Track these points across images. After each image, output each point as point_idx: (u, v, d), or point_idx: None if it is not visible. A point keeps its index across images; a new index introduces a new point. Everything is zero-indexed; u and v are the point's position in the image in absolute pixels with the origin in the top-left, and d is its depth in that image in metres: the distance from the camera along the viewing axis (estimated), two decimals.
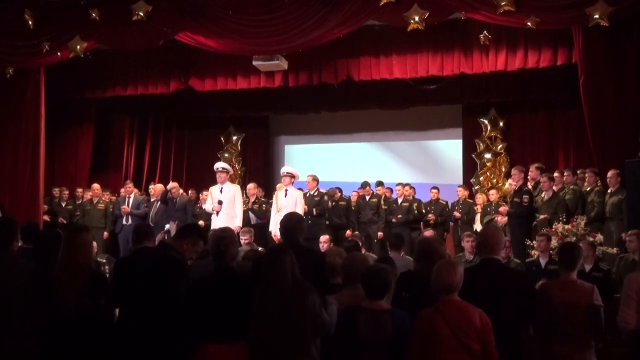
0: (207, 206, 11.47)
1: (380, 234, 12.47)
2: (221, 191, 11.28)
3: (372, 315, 4.45)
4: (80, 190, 14.11)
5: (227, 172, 11.78)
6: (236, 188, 11.75)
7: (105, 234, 13.23)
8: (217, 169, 11.59)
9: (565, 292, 4.90)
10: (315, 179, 12.14)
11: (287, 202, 11.12)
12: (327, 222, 12.12)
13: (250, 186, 13.05)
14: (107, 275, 6.29)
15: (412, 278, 5.16)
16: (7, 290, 4.84)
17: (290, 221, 5.60)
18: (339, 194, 12.94)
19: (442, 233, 12.71)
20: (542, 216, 10.40)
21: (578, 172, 11.35)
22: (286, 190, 11.29)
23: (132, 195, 13.29)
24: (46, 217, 13.23)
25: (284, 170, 11.71)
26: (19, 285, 4.85)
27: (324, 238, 9.72)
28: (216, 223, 10.83)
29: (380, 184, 13.56)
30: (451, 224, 13.13)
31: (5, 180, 12.93)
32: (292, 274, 4.60)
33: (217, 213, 11.11)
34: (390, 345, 4.40)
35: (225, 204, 11.17)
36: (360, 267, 4.92)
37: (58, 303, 4.79)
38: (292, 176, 11.39)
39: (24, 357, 4.82)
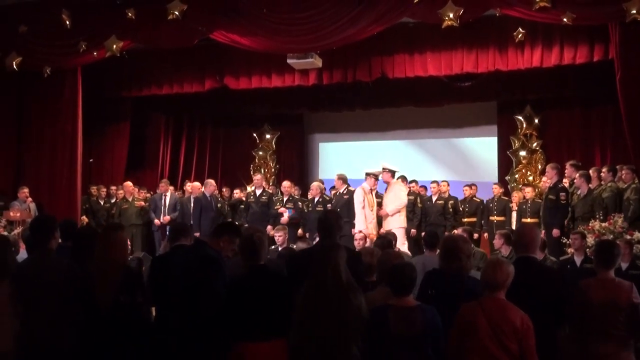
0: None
1: (413, 231, 12.42)
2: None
3: (401, 312, 4.48)
4: (114, 187, 14.29)
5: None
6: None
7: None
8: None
9: (604, 290, 4.86)
10: (340, 177, 12.14)
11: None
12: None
13: (286, 184, 13.08)
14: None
15: (437, 276, 5.15)
16: (46, 287, 4.92)
17: (328, 218, 5.55)
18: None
19: (479, 231, 12.65)
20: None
21: (617, 167, 11.20)
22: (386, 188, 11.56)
23: (167, 194, 13.42)
24: (84, 218, 13.39)
25: (383, 166, 11.72)
26: (57, 282, 4.94)
27: (359, 235, 9.77)
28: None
29: (413, 181, 13.45)
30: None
31: (44, 179, 13.12)
32: (345, 272, 4.55)
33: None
34: (420, 340, 4.42)
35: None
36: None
37: (94, 300, 4.85)
38: (390, 170, 11.58)
39: (63, 352, 4.90)
